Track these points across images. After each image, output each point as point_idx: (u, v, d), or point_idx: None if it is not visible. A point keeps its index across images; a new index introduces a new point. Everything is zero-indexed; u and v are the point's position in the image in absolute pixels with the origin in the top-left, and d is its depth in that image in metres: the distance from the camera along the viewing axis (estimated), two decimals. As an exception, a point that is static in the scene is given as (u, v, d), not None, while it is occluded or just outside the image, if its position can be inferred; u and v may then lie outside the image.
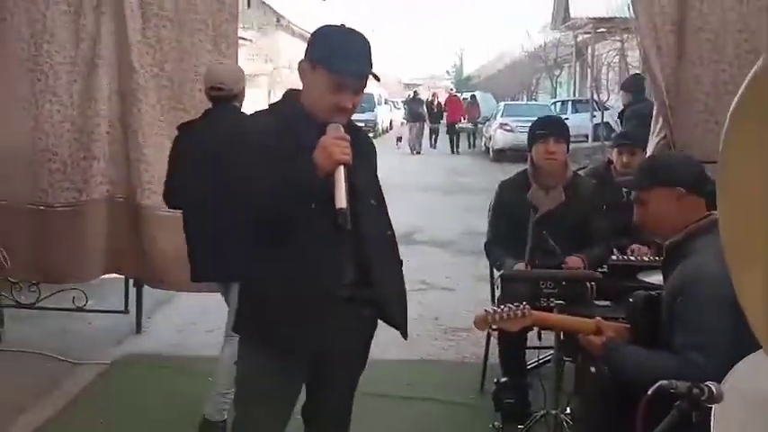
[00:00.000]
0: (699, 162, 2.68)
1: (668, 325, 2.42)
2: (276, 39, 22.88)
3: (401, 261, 2.50)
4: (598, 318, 2.63)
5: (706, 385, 1.67)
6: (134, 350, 4.94)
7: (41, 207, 4.78)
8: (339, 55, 2.20)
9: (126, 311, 5.25)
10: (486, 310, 2.48)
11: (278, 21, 24.94)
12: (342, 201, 2.10)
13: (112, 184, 4.84)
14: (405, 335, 2.46)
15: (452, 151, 24.85)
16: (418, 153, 24.13)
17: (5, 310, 5.02)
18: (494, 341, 4.18)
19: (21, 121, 4.71)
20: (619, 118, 7.31)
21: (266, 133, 2.22)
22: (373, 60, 2.29)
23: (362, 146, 2.37)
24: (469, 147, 26.63)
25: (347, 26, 2.35)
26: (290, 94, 2.37)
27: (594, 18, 23.35)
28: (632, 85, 7.67)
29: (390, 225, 2.48)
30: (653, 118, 4.96)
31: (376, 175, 2.44)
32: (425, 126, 25.76)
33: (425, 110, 25.97)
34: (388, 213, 2.47)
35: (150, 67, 4.67)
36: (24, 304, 5.14)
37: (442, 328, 5.57)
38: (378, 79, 2.32)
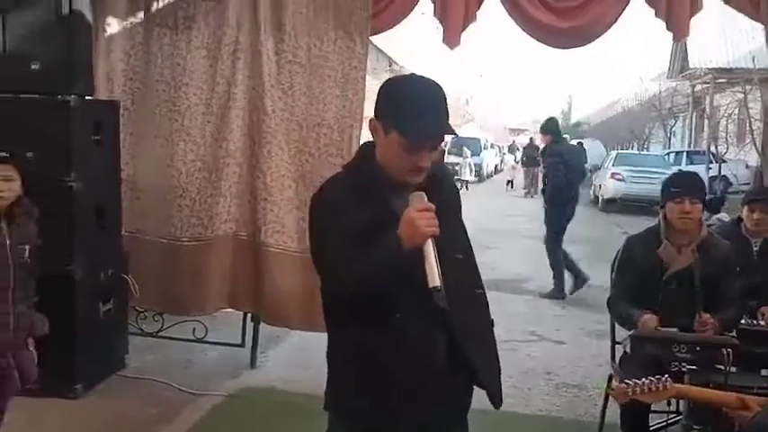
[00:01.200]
0: None
1: None
2: (388, 82, 23.37)
3: (492, 321, 2.35)
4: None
5: None
6: (249, 384, 5.04)
7: (170, 240, 5.01)
8: (411, 117, 2.03)
9: (242, 345, 5.38)
10: (626, 383, 2.38)
11: (390, 65, 25.47)
12: (435, 278, 1.96)
13: (236, 222, 5.02)
14: (497, 403, 2.29)
15: None
16: (533, 196, 24.43)
17: (130, 338, 5.23)
18: (611, 400, 4.05)
19: (159, 159, 4.98)
20: (540, 155, 8.02)
21: (345, 204, 2.09)
22: (448, 110, 2.12)
23: (445, 198, 2.19)
24: None
25: (417, 76, 2.17)
26: (367, 151, 2.22)
27: (714, 68, 22.66)
28: (549, 128, 8.98)
29: (480, 281, 2.31)
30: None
31: (461, 224, 2.27)
32: (539, 171, 25.85)
33: (540, 156, 25.97)
34: (476, 267, 2.31)
35: (281, 111, 4.86)
36: (148, 333, 5.37)
37: (554, 384, 5.42)
38: (455, 134, 2.17)
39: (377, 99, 2.16)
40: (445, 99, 2.14)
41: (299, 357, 5.58)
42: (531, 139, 30.30)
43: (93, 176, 4.58)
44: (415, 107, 2.05)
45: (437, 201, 2.07)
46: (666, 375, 2.39)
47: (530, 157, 26.50)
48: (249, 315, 5.35)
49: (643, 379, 2.39)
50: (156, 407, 4.52)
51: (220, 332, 5.53)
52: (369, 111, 4.91)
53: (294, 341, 5.81)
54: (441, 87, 2.13)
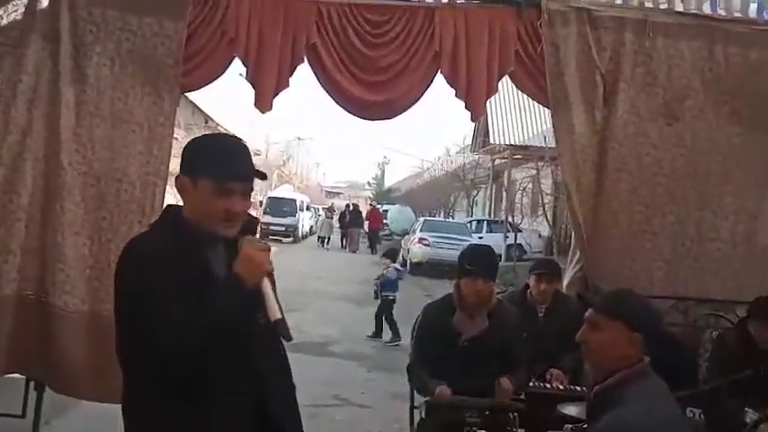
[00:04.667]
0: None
1: None
2: (202, 139, 23.07)
3: (294, 386, 2.39)
4: None
5: None
6: (27, 460, 4.60)
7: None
8: (220, 160, 2.15)
9: (23, 416, 4.91)
10: None
11: (206, 122, 25.16)
12: (276, 312, 2.05)
13: (25, 281, 4.64)
14: None
15: (372, 252, 28.15)
16: (354, 252, 28.28)
17: None
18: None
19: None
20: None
21: (161, 263, 2.05)
22: (253, 161, 2.26)
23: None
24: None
25: (219, 133, 2.35)
26: (173, 211, 2.26)
27: (511, 145, 24.53)
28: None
29: (282, 344, 2.33)
30: (571, 249, 5.16)
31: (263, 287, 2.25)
32: (361, 231, 30.16)
33: (362, 218, 30.67)
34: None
35: (79, 164, 4.59)
36: None
37: (356, 448, 5.44)
38: (264, 177, 2.27)
39: (182, 158, 2.20)
40: (249, 150, 2.26)
41: (85, 429, 5.19)
42: (355, 204, 34.09)
43: None
44: (222, 152, 2.18)
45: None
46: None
47: (353, 219, 29.90)
48: (32, 382, 4.91)
49: None
50: None
51: (-1, 401, 5.02)
52: (171, 165, 4.80)
53: (83, 412, 5.39)
54: (243, 141, 2.27)
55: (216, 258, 2.14)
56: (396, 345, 10.07)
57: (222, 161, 2.14)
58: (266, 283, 2.07)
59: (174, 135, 4.86)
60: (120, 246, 4.43)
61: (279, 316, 2.04)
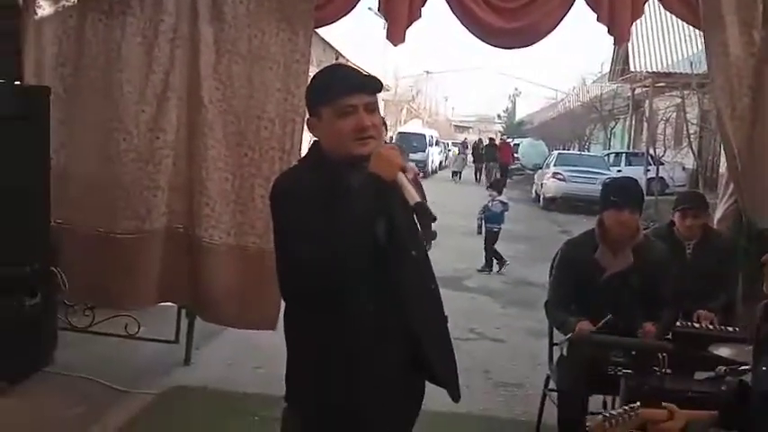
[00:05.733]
0: None
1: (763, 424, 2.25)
2: (334, 75, 23.26)
3: (446, 317, 2.40)
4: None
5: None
6: (182, 382, 4.91)
7: (103, 233, 4.82)
8: (329, 85, 2.21)
9: (176, 342, 5.25)
10: (604, 416, 2.23)
11: (337, 58, 25.30)
12: (415, 197, 2.07)
13: (173, 214, 4.88)
14: (455, 396, 2.33)
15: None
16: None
17: (60, 334, 5.03)
18: (549, 400, 4.09)
19: (90, 148, 4.79)
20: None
21: (312, 190, 2.13)
22: (368, 76, 2.28)
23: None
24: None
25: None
26: (316, 146, 2.30)
27: (654, 72, 23.20)
28: None
29: (434, 277, 2.38)
30: (723, 182, 4.84)
31: (414, 221, 2.24)
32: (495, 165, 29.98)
33: (496, 153, 30.30)
34: (430, 263, 2.38)
35: (219, 102, 4.72)
36: (78, 328, 5.18)
37: (492, 382, 5.44)
38: (380, 86, 2.25)
39: (305, 101, 2.32)
40: (355, 69, 2.33)
41: (233, 355, 5.48)
42: (491, 139, 33.87)
43: (19, 164, 4.37)
44: (327, 77, 2.27)
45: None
46: (638, 403, 2.26)
47: (489, 154, 29.90)
48: (184, 310, 5.21)
49: (619, 410, 2.27)
50: (83, 405, 4.36)
51: (153, 328, 5.37)
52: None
53: (230, 338, 5.68)
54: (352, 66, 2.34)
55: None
56: (485, 272, 10.38)
57: (329, 84, 2.21)
58: (402, 177, 2.09)
59: (309, 72, 4.89)
60: (263, 182, 4.64)
61: (417, 199, 2.06)
